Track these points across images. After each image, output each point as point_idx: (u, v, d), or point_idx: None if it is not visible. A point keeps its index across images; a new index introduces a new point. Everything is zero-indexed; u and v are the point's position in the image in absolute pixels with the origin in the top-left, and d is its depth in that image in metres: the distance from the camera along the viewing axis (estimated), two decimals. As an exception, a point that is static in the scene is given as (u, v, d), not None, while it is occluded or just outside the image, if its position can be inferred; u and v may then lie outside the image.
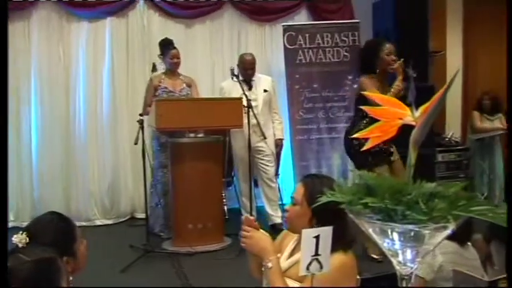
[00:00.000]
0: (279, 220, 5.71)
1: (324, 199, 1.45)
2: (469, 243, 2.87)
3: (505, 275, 2.34)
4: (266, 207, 5.85)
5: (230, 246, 5.10)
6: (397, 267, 1.40)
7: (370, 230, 1.38)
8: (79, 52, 6.35)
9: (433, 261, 2.65)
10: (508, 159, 7.57)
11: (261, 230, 2.22)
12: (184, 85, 5.59)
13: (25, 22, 6.23)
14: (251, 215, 5.33)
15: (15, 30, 6.16)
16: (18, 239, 1.83)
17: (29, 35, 6.25)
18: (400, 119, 1.35)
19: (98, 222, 6.35)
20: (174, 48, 5.55)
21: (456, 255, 2.72)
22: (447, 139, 7.61)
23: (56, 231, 2.02)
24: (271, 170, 5.78)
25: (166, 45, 5.56)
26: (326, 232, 1.55)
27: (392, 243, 1.34)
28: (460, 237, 2.74)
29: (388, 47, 4.63)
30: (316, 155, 6.52)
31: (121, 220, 6.48)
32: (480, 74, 8.42)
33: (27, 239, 1.83)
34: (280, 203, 6.41)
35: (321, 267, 1.60)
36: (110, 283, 4.13)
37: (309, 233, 1.56)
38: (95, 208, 6.39)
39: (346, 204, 1.38)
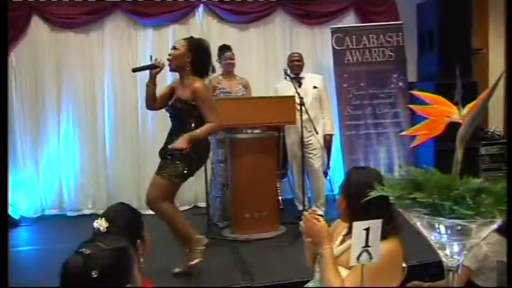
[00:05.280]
0: (319, 212, 5.64)
1: (374, 193, 1.42)
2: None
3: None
4: (311, 198, 5.80)
5: (285, 234, 5.09)
6: (444, 260, 1.36)
7: (418, 224, 1.34)
8: (146, 57, 6.45)
9: (478, 251, 2.56)
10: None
11: (322, 220, 2.20)
12: (240, 86, 5.59)
13: (99, 32, 6.40)
14: (303, 205, 5.32)
15: (92, 41, 6.39)
16: (98, 223, 1.99)
17: (103, 45, 6.42)
18: (448, 117, 1.31)
19: (167, 210, 6.47)
20: (229, 51, 5.58)
21: (499, 246, 2.62)
22: (490, 133, 7.37)
23: (129, 218, 2.14)
24: (317, 163, 5.68)
25: (222, 49, 5.61)
26: (376, 224, 1.52)
27: (440, 237, 1.30)
28: (504, 228, 2.64)
29: None
30: (364, 149, 6.47)
31: (185, 208, 6.51)
32: (522, 69, 8.14)
33: (107, 224, 1.98)
34: (331, 193, 6.37)
35: (371, 257, 1.57)
36: (176, 266, 4.17)
37: (359, 225, 1.53)
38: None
39: (395, 198, 1.34)
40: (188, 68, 3.97)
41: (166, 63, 4.03)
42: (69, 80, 6.33)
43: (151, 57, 4.02)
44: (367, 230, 1.51)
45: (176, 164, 3.95)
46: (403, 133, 1.45)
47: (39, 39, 6.25)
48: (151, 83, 4.01)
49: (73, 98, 6.35)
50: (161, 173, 4.00)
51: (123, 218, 2.10)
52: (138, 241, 2.05)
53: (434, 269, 3.15)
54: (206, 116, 3.94)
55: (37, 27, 6.24)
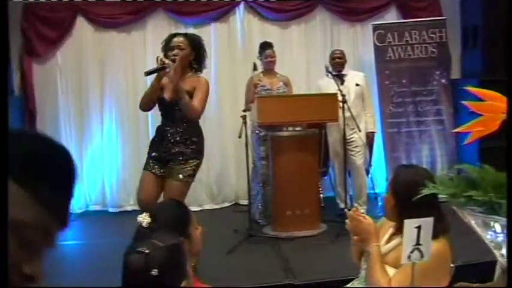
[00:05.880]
0: (361, 210, 5.55)
1: (426, 191, 1.40)
2: None
3: None
4: (353, 196, 5.76)
5: (326, 232, 5.06)
6: (500, 259, 1.32)
7: (473, 222, 1.31)
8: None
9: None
10: None
11: (368, 218, 2.19)
12: (281, 83, 5.59)
13: (141, 32, 6.54)
14: (345, 203, 5.28)
15: (134, 40, 6.54)
16: (142, 218, 2.00)
17: (145, 43, 6.53)
18: (504, 113, 1.28)
19: (207, 207, 6.54)
20: (270, 48, 5.58)
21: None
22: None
23: (174, 214, 2.14)
24: (359, 160, 5.64)
25: (263, 47, 5.62)
26: (427, 222, 1.50)
27: (496, 236, 1.27)
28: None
29: None
30: (406, 147, 6.38)
31: (226, 205, 6.64)
32: None
33: (150, 219, 1.98)
34: (373, 191, 6.31)
35: (422, 256, 1.55)
36: (218, 262, 4.18)
37: (411, 223, 1.51)
38: (204, 194, 6.57)
39: (448, 196, 1.32)
40: (187, 65, 3.91)
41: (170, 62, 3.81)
42: (112, 78, 6.47)
43: (157, 58, 3.91)
44: (419, 228, 1.49)
45: (189, 162, 3.78)
46: (456, 129, 1.42)
47: (84, 39, 6.41)
48: (158, 84, 3.84)
49: (116, 96, 6.49)
50: (176, 177, 3.73)
51: (167, 214, 2.10)
52: (182, 238, 1.96)
53: (479, 269, 3.10)
54: (195, 102, 3.80)
55: (82, 27, 6.40)
